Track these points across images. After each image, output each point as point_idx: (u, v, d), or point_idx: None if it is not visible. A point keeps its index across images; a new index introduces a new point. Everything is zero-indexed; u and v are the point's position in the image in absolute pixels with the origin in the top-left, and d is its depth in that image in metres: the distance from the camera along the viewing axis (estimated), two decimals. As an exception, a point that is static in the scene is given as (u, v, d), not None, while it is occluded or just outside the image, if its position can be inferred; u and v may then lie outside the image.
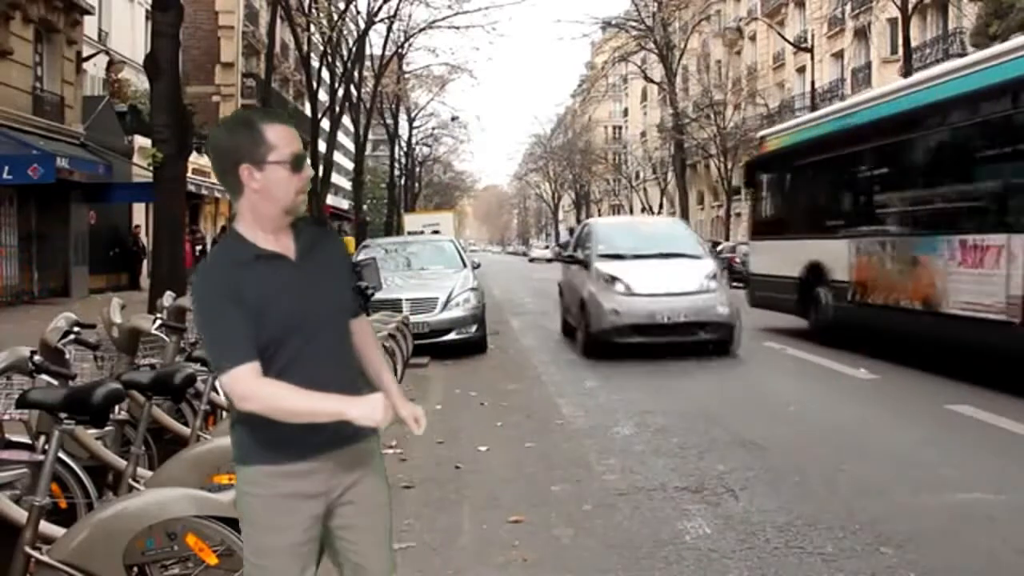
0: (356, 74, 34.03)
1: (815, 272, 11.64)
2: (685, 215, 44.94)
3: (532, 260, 65.86)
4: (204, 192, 28.37)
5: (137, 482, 3.38)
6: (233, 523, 2.78)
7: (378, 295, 8.58)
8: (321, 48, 30.75)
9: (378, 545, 2.30)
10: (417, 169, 63.17)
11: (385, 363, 2.45)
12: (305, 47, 28.90)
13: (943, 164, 9.29)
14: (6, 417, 3.67)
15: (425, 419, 2.26)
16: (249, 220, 2.19)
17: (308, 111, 30.66)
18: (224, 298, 2.09)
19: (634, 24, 45.70)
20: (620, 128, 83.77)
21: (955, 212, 8.96)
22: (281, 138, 2.15)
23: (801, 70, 37.29)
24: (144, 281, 21.32)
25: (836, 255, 10.99)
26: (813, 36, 35.04)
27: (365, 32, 32.35)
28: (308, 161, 2.22)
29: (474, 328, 11.44)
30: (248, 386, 2.07)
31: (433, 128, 59.77)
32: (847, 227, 10.98)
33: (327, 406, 2.08)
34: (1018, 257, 7.57)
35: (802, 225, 12.33)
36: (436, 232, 27.02)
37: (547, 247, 70.82)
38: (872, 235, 10.34)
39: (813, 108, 30.35)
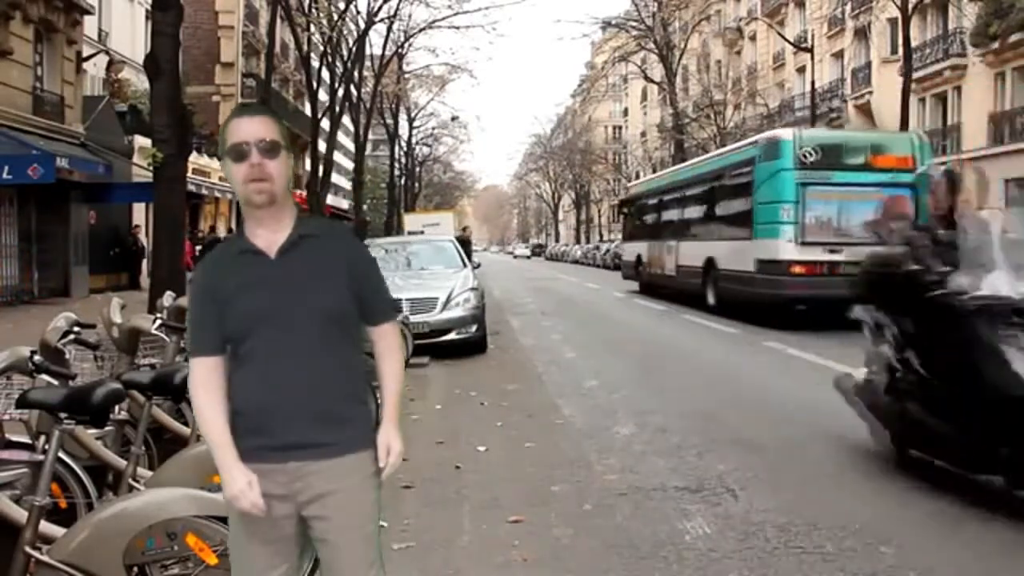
0: (356, 74, 33.99)
1: (639, 258, 22.80)
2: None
3: (516, 257, 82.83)
4: (204, 192, 28.36)
5: (137, 482, 3.38)
6: (233, 523, 2.78)
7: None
8: (321, 48, 30.73)
9: (352, 565, 2.23)
10: (417, 169, 63.15)
11: (394, 380, 2.31)
12: (305, 47, 28.87)
13: (683, 210, 19.40)
14: (6, 417, 3.67)
15: (395, 460, 2.22)
16: (244, 215, 2.28)
17: (308, 111, 30.68)
18: (203, 291, 2.24)
19: (634, 24, 45.69)
20: (620, 128, 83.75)
21: (680, 232, 19.15)
22: (232, 130, 2.19)
23: (801, 70, 37.25)
24: (144, 281, 21.32)
25: (647, 249, 21.86)
26: (813, 36, 34.99)
27: (365, 32, 32.34)
28: (253, 148, 2.14)
29: (474, 328, 11.43)
30: (194, 381, 2.21)
31: (433, 128, 59.79)
32: (651, 236, 21.63)
33: (217, 451, 2.18)
34: (679, 251, 18.82)
35: (637, 235, 23.60)
36: (465, 230, 27.62)
37: (526, 246, 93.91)
38: (658, 240, 20.78)
39: (813, 108, 30.33)
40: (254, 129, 2.17)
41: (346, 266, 2.24)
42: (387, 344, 2.31)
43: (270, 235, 2.21)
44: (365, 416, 2.31)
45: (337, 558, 2.22)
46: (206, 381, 2.20)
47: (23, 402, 2.94)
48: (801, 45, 34.02)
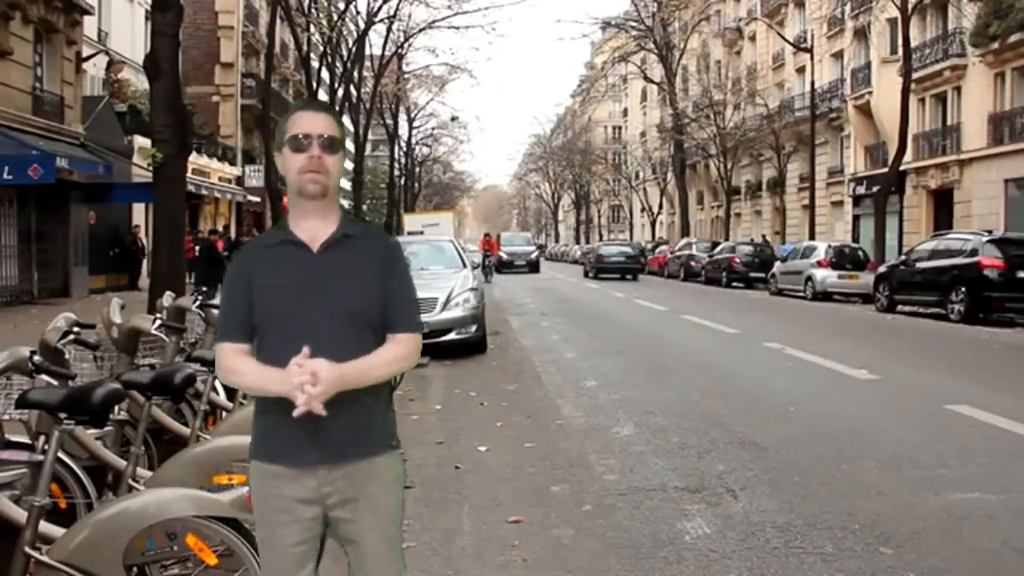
0: (356, 74, 34.06)
1: None
2: (685, 215, 45.04)
3: None
4: (204, 192, 28.36)
5: (137, 482, 3.38)
6: (233, 523, 2.78)
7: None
8: (321, 48, 30.77)
9: (375, 564, 2.25)
10: (417, 169, 63.22)
11: (378, 356, 2.19)
12: (305, 47, 28.92)
13: None
14: (6, 417, 3.66)
15: (322, 382, 2.03)
16: (290, 207, 2.28)
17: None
18: (237, 278, 2.25)
19: (634, 24, 45.79)
20: (620, 128, 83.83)
21: None
22: (295, 121, 2.22)
23: (801, 70, 37.26)
24: (143, 281, 21.31)
25: None
26: (813, 36, 35.00)
27: (365, 32, 32.39)
28: (314, 142, 2.17)
29: (474, 328, 11.42)
30: (223, 360, 2.22)
31: (433, 128, 59.92)
32: None
33: (264, 383, 2.14)
34: None
35: None
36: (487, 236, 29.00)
37: None
38: None
39: (813, 108, 30.35)
40: (317, 123, 2.20)
41: (381, 270, 2.24)
42: (396, 343, 2.23)
43: (315, 229, 2.22)
44: (388, 417, 2.31)
45: (363, 557, 2.25)
46: (230, 356, 2.20)
47: (23, 402, 2.94)
48: (801, 45, 34.04)
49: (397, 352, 2.22)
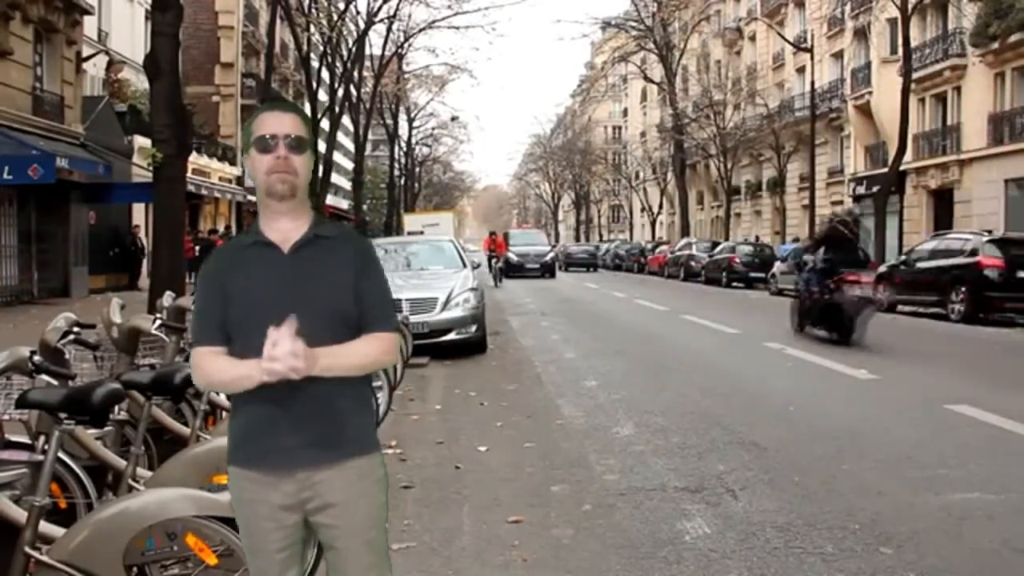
0: (356, 74, 34.05)
1: None
2: (685, 215, 45.06)
3: None
4: (204, 192, 28.36)
5: (137, 482, 3.38)
6: (233, 523, 2.78)
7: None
8: (321, 48, 30.77)
9: (355, 568, 2.22)
10: (417, 169, 63.21)
11: (359, 345, 2.17)
12: (305, 47, 28.93)
13: None
14: (6, 417, 3.67)
15: (280, 363, 2.00)
16: (260, 209, 2.27)
17: (308, 111, 30.71)
18: (211, 280, 2.22)
19: (634, 24, 45.82)
20: (620, 128, 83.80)
21: None
22: (261, 123, 2.20)
23: (801, 70, 37.25)
24: (143, 281, 21.30)
25: None
26: (813, 36, 34.98)
27: (365, 32, 32.36)
28: (280, 142, 2.15)
29: (474, 328, 11.42)
30: (199, 362, 2.19)
31: (433, 128, 59.90)
32: None
33: (237, 375, 2.10)
34: None
35: None
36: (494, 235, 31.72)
37: None
38: None
39: (812, 108, 30.34)
40: (283, 124, 2.18)
41: (355, 270, 2.22)
42: (373, 339, 2.20)
43: (285, 231, 2.20)
44: (368, 418, 2.29)
45: (344, 562, 2.23)
46: (206, 358, 2.17)
47: (23, 402, 2.94)
48: (801, 45, 34.03)
49: (373, 347, 2.19)
